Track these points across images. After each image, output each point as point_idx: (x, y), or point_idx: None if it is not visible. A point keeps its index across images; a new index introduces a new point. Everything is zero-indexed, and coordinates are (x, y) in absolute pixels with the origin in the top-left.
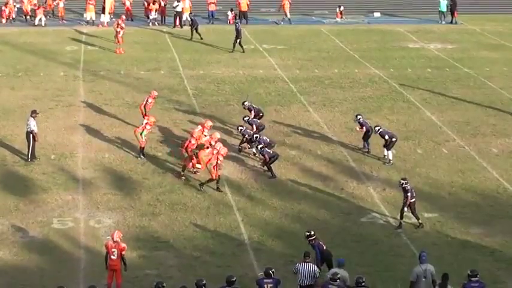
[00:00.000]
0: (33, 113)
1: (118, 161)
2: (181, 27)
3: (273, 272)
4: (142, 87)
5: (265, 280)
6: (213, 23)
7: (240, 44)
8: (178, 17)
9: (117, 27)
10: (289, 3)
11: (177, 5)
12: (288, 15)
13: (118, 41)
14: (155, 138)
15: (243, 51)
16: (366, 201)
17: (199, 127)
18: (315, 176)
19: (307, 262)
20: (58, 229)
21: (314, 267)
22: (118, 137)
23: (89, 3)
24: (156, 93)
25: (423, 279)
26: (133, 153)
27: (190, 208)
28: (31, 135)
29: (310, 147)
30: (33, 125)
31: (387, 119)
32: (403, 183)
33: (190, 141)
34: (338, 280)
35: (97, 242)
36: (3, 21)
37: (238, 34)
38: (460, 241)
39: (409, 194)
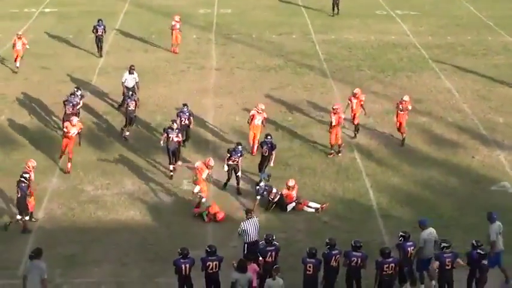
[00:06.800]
0: (131, 69)
1: (248, 125)
2: None
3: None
4: (274, 51)
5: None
6: None
7: (336, 5)
8: None
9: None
10: None
11: None
12: None
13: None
14: (288, 103)
15: (333, 15)
16: (497, 170)
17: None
18: (445, 143)
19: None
20: (187, 190)
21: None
22: (248, 101)
23: None
24: None
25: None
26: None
27: (319, 173)
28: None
29: (441, 114)
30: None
31: None
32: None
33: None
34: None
35: (226, 204)
36: None
37: None
38: None
39: None
